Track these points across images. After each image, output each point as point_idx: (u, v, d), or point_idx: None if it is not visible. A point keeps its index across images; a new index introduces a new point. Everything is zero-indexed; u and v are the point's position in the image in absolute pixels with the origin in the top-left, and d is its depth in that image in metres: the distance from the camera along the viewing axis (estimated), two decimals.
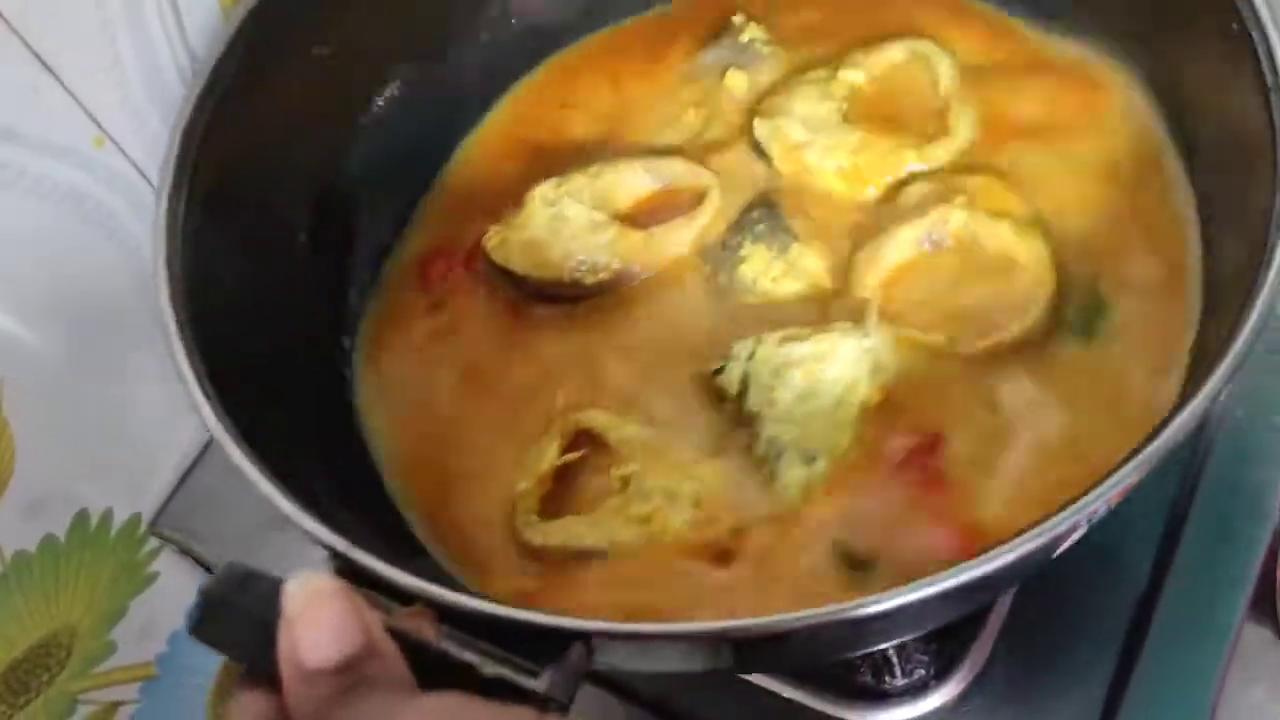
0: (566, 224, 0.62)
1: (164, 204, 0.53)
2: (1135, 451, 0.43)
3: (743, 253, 0.62)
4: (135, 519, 0.73)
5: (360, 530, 0.46)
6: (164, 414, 0.73)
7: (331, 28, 0.63)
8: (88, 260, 0.66)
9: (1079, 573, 0.63)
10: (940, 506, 0.54)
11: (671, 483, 0.56)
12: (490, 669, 0.39)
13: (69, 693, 0.71)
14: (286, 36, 0.61)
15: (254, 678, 0.38)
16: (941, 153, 0.63)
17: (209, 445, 0.76)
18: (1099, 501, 0.42)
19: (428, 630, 0.40)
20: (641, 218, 0.65)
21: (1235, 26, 0.52)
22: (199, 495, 0.75)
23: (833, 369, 0.56)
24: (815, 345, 0.56)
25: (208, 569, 0.76)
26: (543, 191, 0.64)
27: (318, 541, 0.43)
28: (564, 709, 0.40)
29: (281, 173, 0.62)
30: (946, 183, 0.62)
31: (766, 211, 0.63)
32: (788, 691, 0.61)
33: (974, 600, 0.55)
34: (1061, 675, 0.61)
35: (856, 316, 0.58)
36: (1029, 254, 0.59)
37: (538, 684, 0.39)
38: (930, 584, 0.40)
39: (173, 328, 0.50)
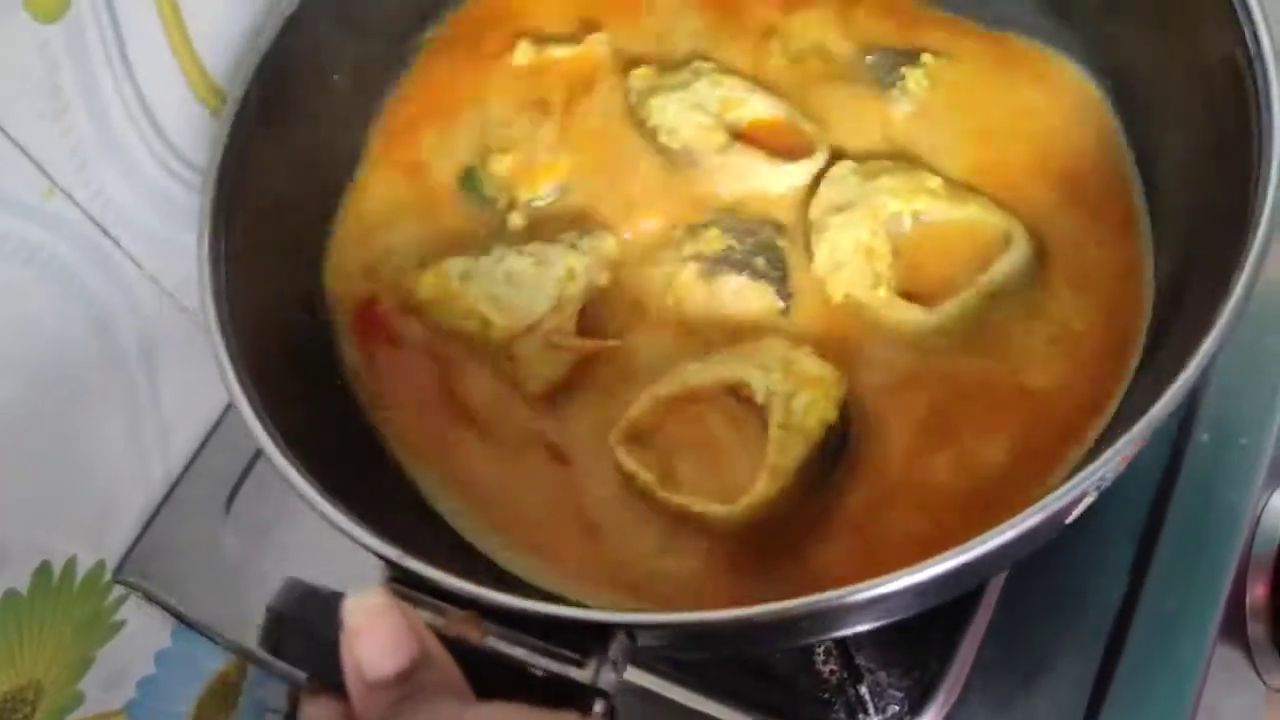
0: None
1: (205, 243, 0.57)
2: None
3: None
4: (99, 567, 0.72)
5: (404, 528, 0.48)
6: (126, 461, 0.73)
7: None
8: (43, 310, 0.65)
9: (1052, 600, 0.63)
10: None
11: None
12: (538, 666, 0.42)
13: None
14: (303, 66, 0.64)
15: (319, 687, 0.41)
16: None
17: (172, 491, 0.75)
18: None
19: (473, 634, 0.43)
20: None
21: None
22: (163, 542, 0.74)
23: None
24: None
25: (176, 615, 0.75)
26: None
27: (371, 550, 0.45)
28: (607, 700, 0.42)
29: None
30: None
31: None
32: None
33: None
34: (1036, 704, 0.61)
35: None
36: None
37: (583, 675, 0.42)
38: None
39: (223, 349, 0.53)
